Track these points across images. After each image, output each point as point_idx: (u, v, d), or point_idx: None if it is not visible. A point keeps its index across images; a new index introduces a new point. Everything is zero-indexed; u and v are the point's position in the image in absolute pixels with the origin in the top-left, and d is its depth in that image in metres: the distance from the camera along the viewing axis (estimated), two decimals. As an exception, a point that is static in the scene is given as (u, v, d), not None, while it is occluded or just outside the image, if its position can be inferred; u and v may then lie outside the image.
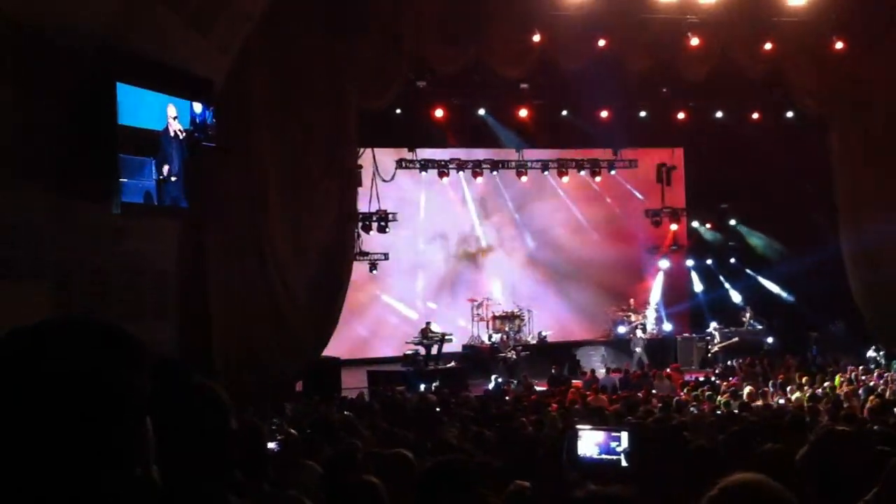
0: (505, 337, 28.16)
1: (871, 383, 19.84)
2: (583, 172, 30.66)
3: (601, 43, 22.67)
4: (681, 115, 28.23)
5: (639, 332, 28.41)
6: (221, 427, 2.96)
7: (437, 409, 16.56)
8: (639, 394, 19.78)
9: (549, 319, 30.05)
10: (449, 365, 25.95)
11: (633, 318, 29.52)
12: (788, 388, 19.80)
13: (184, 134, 16.31)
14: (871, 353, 24.16)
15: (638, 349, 27.68)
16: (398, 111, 25.85)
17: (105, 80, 14.44)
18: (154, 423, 2.29)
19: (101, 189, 14.60)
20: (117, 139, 14.65)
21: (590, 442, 9.54)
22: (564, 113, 27.91)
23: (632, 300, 30.18)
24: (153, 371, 2.26)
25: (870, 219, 25.31)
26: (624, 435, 9.53)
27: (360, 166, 25.50)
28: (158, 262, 16.96)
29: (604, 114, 27.82)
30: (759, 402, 17.23)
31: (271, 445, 9.12)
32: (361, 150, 25.17)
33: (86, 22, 13.80)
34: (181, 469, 2.75)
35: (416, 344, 26.47)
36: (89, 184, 14.48)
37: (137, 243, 16.05)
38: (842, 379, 20.74)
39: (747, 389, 19.42)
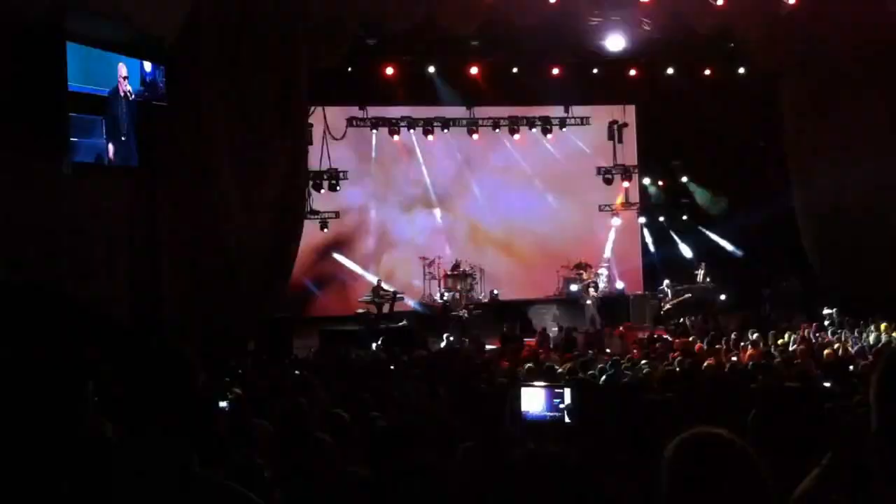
0: (457, 295, 28.17)
1: (825, 341, 20.00)
2: (534, 130, 30.70)
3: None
4: (632, 72, 28.25)
5: (591, 291, 28.39)
6: (189, 388, 2.96)
7: (391, 368, 16.61)
8: (590, 352, 19.85)
9: (500, 278, 30.07)
10: (401, 324, 25.94)
11: (584, 276, 29.59)
12: (741, 345, 19.90)
13: (134, 94, 16.17)
14: (826, 311, 24.08)
15: (590, 308, 27.67)
16: (349, 69, 25.73)
17: (54, 38, 14.28)
18: (126, 384, 2.28)
19: (52, 149, 14.47)
20: (67, 99, 14.52)
21: (532, 399, 9.56)
22: (515, 70, 27.83)
23: (583, 258, 30.24)
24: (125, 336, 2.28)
25: (820, 173, 25.52)
26: (567, 392, 9.55)
27: (311, 124, 25.37)
28: (109, 221, 16.83)
29: (555, 71, 27.81)
30: (712, 360, 17.29)
31: (223, 404, 9.11)
32: (312, 107, 25.01)
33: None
34: (150, 429, 2.75)
35: (368, 302, 26.45)
36: (39, 143, 14.34)
37: (88, 203, 15.91)
38: (794, 336, 20.85)
39: (699, 347, 19.56)
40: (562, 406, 9.46)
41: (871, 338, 19.88)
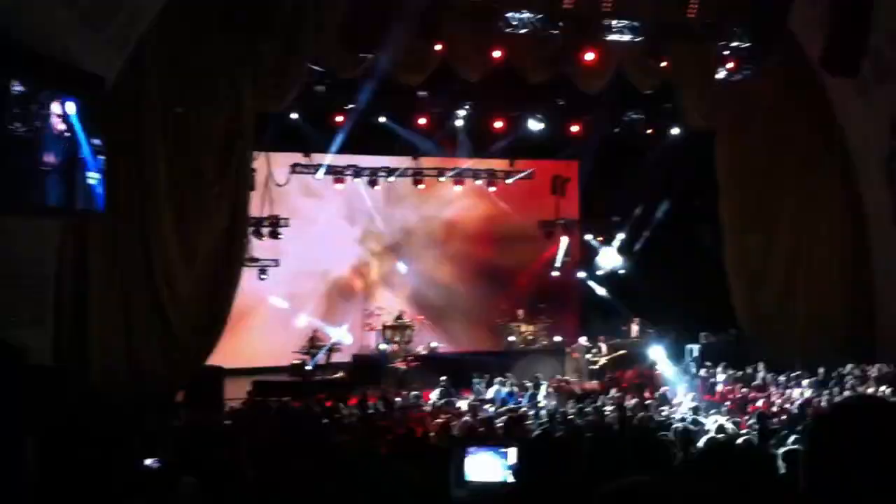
0: (395, 347, 27.94)
1: (752, 396, 20.30)
2: (479, 182, 30.70)
3: (497, 54, 22.61)
4: (575, 128, 28.29)
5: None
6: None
7: (325, 421, 16.40)
8: (523, 407, 19.79)
9: (440, 329, 29.93)
10: (337, 375, 25.67)
11: (523, 329, 29.55)
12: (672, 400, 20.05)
13: (70, 132, 15.81)
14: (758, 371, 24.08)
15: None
16: (296, 115, 25.52)
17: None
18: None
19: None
20: (7, 139, 14.13)
21: (477, 460, 9.42)
22: (461, 123, 27.78)
23: (520, 311, 30.21)
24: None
25: (751, 235, 25.80)
26: (511, 451, 9.42)
27: (254, 170, 25.09)
28: (37, 265, 16.48)
29: (498, 124, 27.75)
30: (642, 414, 17.31)
31: (150, 462, 8.86)
32: (256, 153, 24.77)
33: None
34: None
35: (304, 353, 26.16)
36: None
37: (15, 246, 15.57)
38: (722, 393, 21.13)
39: (632, 402, 19.55)
40: (506, 466, 9.34)
41: (795, 393, 20.18)
